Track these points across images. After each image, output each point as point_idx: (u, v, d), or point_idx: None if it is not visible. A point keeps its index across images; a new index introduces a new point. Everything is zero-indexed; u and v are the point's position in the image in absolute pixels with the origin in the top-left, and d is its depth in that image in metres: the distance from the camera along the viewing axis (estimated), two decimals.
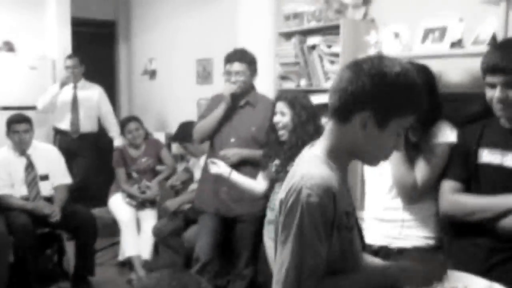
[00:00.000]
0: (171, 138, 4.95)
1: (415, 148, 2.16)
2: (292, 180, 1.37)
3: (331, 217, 1.34)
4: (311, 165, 1.38)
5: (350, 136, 1.37)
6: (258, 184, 3.10)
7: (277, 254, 1.38)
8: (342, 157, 1.42)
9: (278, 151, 2.98)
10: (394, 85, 1.31)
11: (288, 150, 2.92)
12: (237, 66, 3.26)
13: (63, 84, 5.08)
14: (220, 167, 3.05)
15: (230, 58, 3.29)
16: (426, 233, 2.22)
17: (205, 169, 3.52)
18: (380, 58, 1.38)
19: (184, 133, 4.25)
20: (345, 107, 1.35)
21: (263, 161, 3.11)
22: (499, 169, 1.94)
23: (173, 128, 5.00)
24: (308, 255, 1.32)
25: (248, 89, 3.33)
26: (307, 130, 2.88)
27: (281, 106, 2.93)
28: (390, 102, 1.32)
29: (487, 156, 1.98)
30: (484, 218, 1.93)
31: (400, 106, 1.33)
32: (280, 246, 1.37)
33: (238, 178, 3.07)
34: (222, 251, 3.57)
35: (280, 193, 1.45)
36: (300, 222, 1.31)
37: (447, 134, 2.15)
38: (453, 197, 2.05)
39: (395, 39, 2.95)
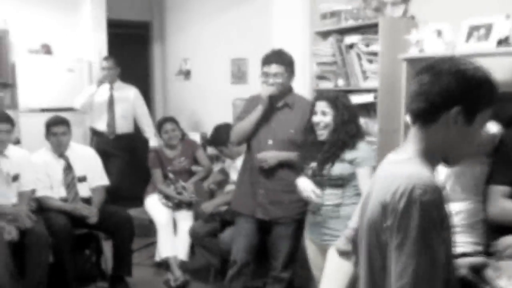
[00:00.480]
0: (206, 142, 4.93)
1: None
2: (393, 181, 1.35)
3: (445, 216, 1.34)
4: (413, 166, 1.38)
5: (440, 136, 1.40)
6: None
7: (393, 259, 1.32)
8: (433, 159, 1.44)
9: (315, 153, 2.93)
10: (475, 79, 1.35)
11: (327, 151, 2.87)
12: (274, 67, 3.21)
13: (100, 83, 5.16)
14: (306, 191, 2.95)
15: (268, 59, 3.25)
16: (474, 239, 2.15)
17: (242, 172, 3.49)
18: (451, 58, 1.43)
19: (219, 136, 4.23)
20: (432, 108, 1.38)
21: (298, 163, 3.06)
22: None
23: (208, 128, 4.99)
24: (434, 255, 1.29)
25: (285, 90, 3.28)
26: (348, 130, 2.83)
27: (322, 106, 2.88)
28: (475, 96, 1.36)
29: None
30: None
31: (484, 99, 1.37)
32: (396, 250, 1.31)
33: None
34: (260, 253, 3.54)
35: (372, 197, 1.42)
36: (420, 222, 1.27)
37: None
38: (501, 203, 1.98)
39: (438, 38, 2.86)
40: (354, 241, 2.00)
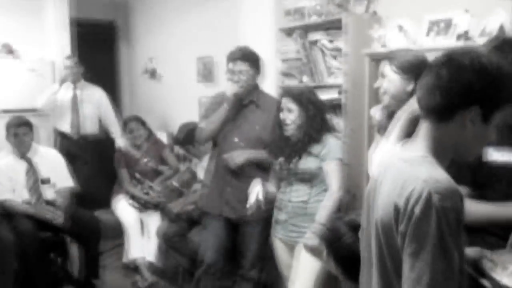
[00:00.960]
0: (173, 141, 4.88)
1: None
2: (408, 183, 1.29)
3: (462, 220, 1.28)
4: (428, 168, 1.32)
5: (454, 134, 1.35)
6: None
7: (407, 265, 1.28)
8: (445, 157, 1.39)
9: (283, 148, 2.92)
10: (498, 78, 1.30)
11: (293, 146, 2.87)
12: (239, 65, 3.19)
13: (62, 81, 5.06)
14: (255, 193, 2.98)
15: (233, 56, 3.23)
16: None
17: (209, 171, 3.47)
18: (471, 50, 1.36)
19: (185, 135, 4.20)
20: (449, 105, 1.32)
21: (267, 159, 3.06)
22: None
23: (175, 128, 4.94)
24: (450, 262, 1.25)
25: (251, 88, 3.27)
26: (314, 125, 2.83)
27: (287, 102, 2.88)
28: (496, 95, 1.31)
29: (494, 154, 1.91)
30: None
31: (504, 98, 1.32)
32: (411, 257, 1.27)
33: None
34: (228, 252, 3.51)
35: (382, 194, 1.38)
36: (438, 228, 1.22)
37: None
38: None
39: (400, 33, 2.88)
40: (323, 237, 1.99)
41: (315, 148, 2.85)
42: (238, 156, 3.21)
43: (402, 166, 1.37)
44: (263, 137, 3.21)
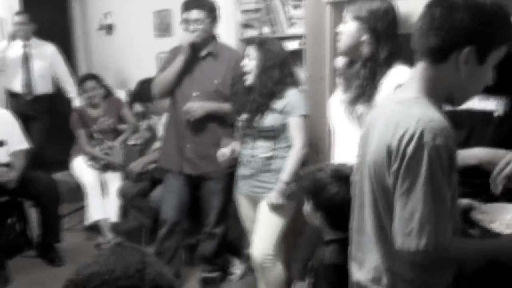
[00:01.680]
0: (131, 99, 4.73)
1: None
2: (401, 124, 1.28)
3: (454, 159, 1.28)
4: (421, 108, 1.30)
5: (449, 75, 1.33)
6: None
7: (399, 205, 1.28)
8: (439, 98, 1.37)
9: (245, 103, 2.83)
10: (492, 16, 1.28)
11: (254, 101, 2.78)
12: (195, 13, 3.05)
13: (11, 38, 4.83)
14: (225, 154, 2.93)
15: (188, 5, 3.08)
16: None
17: (168, 127, 3.36)
18: None
19: (143, 92, 4.05)
20: (443, 46, 1.30)
21: (230, 115, 2.97)
22: None
23: (134, 85, 4.78)
24: (442, 201, 1.24)
25: (208, 38, 3.13)
26: (272, 76, 2.74)
27: (250, 50, 2.79)
28: (490, 34, 1.28)
29: None
30: None
31: (499, 37, 1.30)
32: (402, 196, 1.27)
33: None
34: (191, 209, 3.45)
35: (374, 137, 1.36)
36: (430, 166, 1.23)
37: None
38: None
39: None
40: (305, 188, 1.97)
41: (278, 103, 2.75)
42: (197, 109, 3.11)
43: (395, 107, 1.36)
44: (222, 90, 3.11)
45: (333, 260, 1.83)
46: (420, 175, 1.23)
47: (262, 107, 2.76)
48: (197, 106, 3.11)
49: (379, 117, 1.40)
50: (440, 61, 1.32)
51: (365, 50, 2.15)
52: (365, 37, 2.15)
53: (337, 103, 2.30)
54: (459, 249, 1.33)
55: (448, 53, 1.30)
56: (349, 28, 2.18)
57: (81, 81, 4.53)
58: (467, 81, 1.33)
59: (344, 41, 2.21)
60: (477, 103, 1.90)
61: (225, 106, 3.08)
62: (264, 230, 2.83)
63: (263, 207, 2.84)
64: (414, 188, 1.24)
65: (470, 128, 1.92)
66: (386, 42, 2.13)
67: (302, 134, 2.76)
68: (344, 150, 2.32)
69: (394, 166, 1.28)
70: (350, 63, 2.26)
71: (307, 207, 1.99)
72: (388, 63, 2.12)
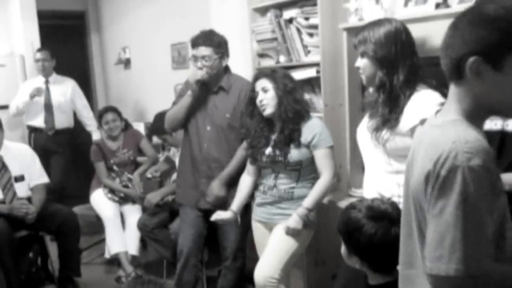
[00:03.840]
0: (149, 131, 4.76)
1: None
2: (437, 148, 1.23)
3: (496, 181, 1.22)
4: (457, 130, 1.25)
5: (473, 91, 1.28)
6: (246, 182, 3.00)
7: (430, 227, 1.23)
8: (478, 116, 1.32)
9: (262, 138, 2.82)
10: (489, 23, 1.23)
11: (280, 133, 2.75)
12: (202, 50, 3.03)
13: (32, 96, 4.90)
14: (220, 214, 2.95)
15: (195, 42, 3.06)
16: None
17: (182, 161, 3.35)
18: (475, 7, 1.31)
19: (160, 124, 4.05)
20: (452, 63, 1.29)
21: (249, 155, 2.93)
22: None
23: (152, 117, 4.81)
24: (478, 224, 1.17)
25: (218, 73, 3.13)
26: (295, 98, 2.74)
27: (261, 84, 2.78)
28: (490, 41, 1.23)
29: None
30: None
31: (504, 41, 1.23)
32: (434, 218, 1.21)
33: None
34: (210, 241, 3.42)
35: (416, 166, 1.32)
36: (464, 188, 1.17)
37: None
38: None
39: (376, 4, 2.78)
40: (339, 230, 1.87)
41: (304, 137, 2.73)
42: (219, 191, 3.13)
43: (434, 132, 1.32)
44: (234, 124, 3.10)
45: None
46: (452, 197, 1.18)
47: (288, 141, 2.74)
48: (216, 188, 3.14)
49: (421, 144, 1.35)
50: (459, 79, 1.29)
51: (383, 78, 2.14)
52: (377, 68, 2.14)
53: (364, 130, 2.28)
54: (498, 275, 1.24)
55: (458, 69, 1.27)
56: (362, 64, 2.20)
57: (101, 114, 4.57)
58: (498, 91, 1.26)
59: (362, 75, 2.23)
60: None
61: (238, 160, 3.12)
62: (273, 253, 2.77)
63: (277, 231, 2.79)
64: (446, 211, 1.19)
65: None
66: (402, 66, 2.11)
67: (331, 165, 2.75)
68: (371, 178, 2.30)
69: (429, 189, 1.23)
70: (375, 91, 2.25)
71: (344, 250, 1.86)
72: (408, 87, 2.10)
